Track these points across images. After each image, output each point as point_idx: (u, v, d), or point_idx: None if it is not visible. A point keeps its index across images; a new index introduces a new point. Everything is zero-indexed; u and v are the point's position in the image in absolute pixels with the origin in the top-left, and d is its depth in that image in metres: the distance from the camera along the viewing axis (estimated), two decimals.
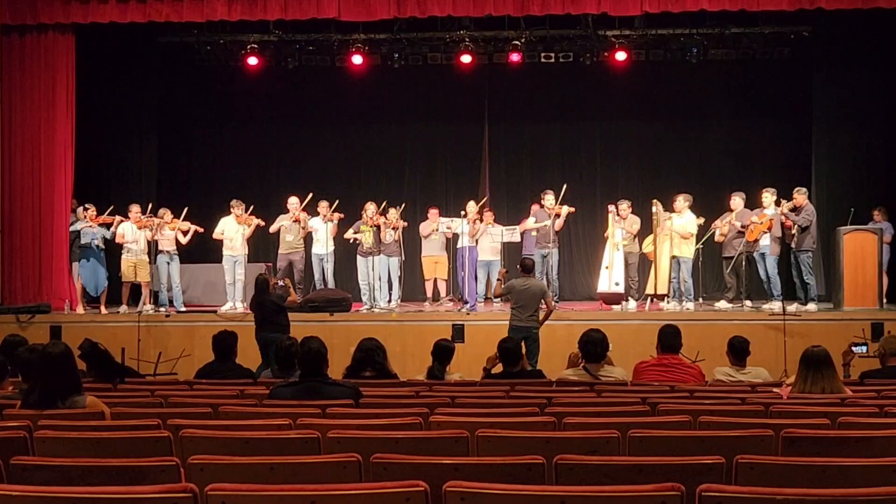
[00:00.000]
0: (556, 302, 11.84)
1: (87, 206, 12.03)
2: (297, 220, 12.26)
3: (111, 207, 12.17)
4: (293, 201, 12.34)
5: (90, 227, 11.85)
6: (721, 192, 12.44)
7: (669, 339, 6.55)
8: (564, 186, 11.88)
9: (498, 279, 10.10)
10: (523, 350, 7.39)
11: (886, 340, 6.68)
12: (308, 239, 12.57)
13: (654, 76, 14.44)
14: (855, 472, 3.50)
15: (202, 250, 13.18)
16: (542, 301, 9.27)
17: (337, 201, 12.46)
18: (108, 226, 12.01)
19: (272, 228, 12.39)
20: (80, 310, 11.89)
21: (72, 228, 12.04)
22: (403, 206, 12.57)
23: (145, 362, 10.06)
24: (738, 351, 6.68)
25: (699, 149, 15.06)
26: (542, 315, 9.29)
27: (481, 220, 12.45)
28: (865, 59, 13.40)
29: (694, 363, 7.18)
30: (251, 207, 12.24)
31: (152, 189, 14.36)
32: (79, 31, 12.30)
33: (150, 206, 12.18)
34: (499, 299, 11.65)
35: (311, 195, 12.37)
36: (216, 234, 12.20)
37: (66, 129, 12.29)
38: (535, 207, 12.69)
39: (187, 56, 14.30)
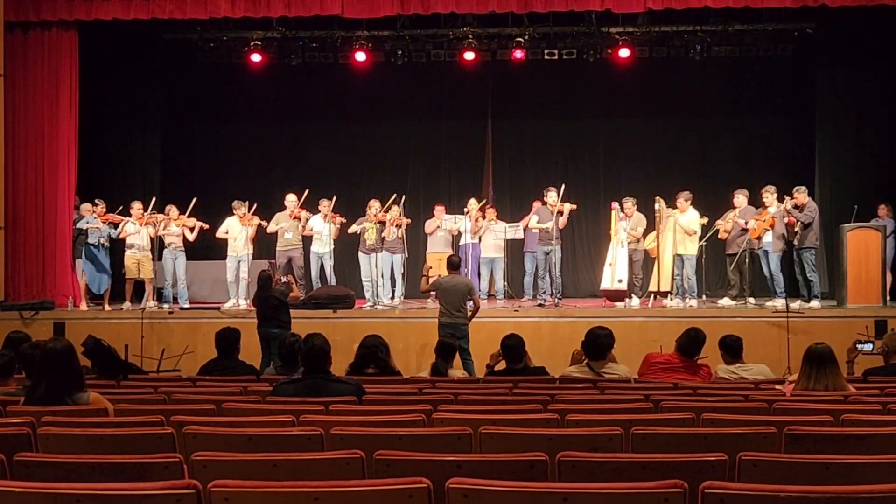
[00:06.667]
0: (559, 297, 11.90)
1: (97, 201, 12.01)
2: (296, 218, 12.25)
3: (121, 207, 12.17)
4: (291, 198, 12.34)
5: (97, 228, 11.81)
6: (724, 189, 12.42)
7: (689, 342, 6.45)
8: (563, 186, 11.87)
9: (423, 275, 10.12)
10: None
11: (890, 338, 6.63)
12: (307, 236, 12.56)
13: (657, 73, 14.40)
14: (858, 469, 3.50)
15: (208, 247, 13.19)
16: (469, 298, 9.30)
17: (335, 197, 12.39)
18: (115, 224, 12.00)
19: (269, 229, 12.34)
20: (83, 306, 11.90)
21: (77, 226, 12.03)
22: (402, 200, 12.39)
23: (148, 359, 10.07)
24: (732, 349, 6.64)
25: (702, 146, 15.04)
26: (469, 312, 9.33)
27: (483, 218, 12.44)
28: (869, 56, 13.35)
29: (703, 364, 7.13)
30: (254, 206, 12.22)
31: (155, 186, 14.37)
32: (82, 28, 12.31)
33: (153, 202, 12.17)
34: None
35: (307, 192, 12.34)
36: (220, 234, 12.20)
37: (70, 126, 12.31)
38: (536, 204, 12.68)
39: (190, 53, 14.30)
